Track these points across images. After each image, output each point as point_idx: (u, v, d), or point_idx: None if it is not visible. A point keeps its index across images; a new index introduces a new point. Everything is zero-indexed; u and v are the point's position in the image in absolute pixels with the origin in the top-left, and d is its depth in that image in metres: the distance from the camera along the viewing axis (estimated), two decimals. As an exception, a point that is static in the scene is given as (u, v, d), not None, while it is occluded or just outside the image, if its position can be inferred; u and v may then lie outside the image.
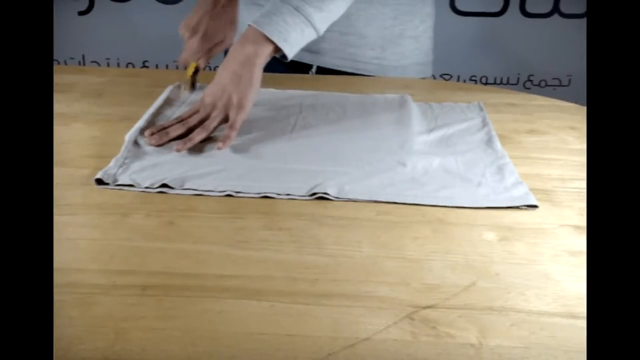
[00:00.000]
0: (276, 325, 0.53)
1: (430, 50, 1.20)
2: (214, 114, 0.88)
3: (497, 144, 0.87)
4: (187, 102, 1.00)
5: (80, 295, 0.56)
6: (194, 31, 1.07)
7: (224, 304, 0.56)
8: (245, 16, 1.18)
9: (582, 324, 0.54)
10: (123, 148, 0.83)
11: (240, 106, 0.87)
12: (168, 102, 0.99)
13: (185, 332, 0.52)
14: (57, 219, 0.67)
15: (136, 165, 0.79)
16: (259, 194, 0.73)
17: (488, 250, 0.65)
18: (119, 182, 0.75)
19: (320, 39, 0.98)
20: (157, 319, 0.54)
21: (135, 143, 0.85)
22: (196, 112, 0.89)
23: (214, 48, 1.08)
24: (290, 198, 0.73)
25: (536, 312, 0.56)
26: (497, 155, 0.84)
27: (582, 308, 0.56)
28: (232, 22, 1.07)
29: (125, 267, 0.61)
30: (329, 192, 0.73)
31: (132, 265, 0.61)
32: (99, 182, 0.75)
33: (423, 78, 1.18)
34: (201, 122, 0.88)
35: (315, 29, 0.91)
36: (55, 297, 0.54)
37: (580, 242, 0.66)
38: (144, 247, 0.64)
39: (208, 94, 0.90)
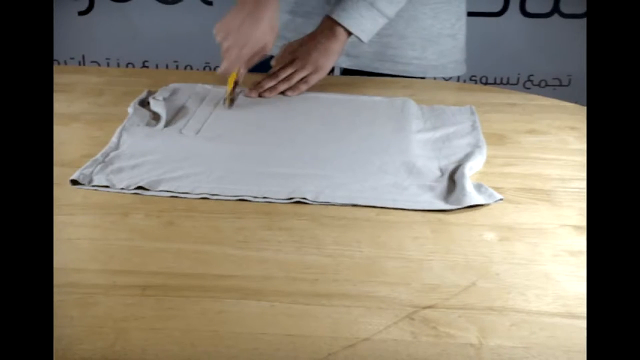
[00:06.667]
0: (276, 325, 0.53)
1: (465, 47, 1.20)
2: (295, 71, 1.03)
3: (484, 148, 0.85)
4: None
5: (80, 295, 0.56)
6: (232, 36, 0.98)
7: (224, 304, 0.56)
8: (279, 25, 1.17)
9: (582, 324, 0.54)
10: (104, 149, 0.82)
11: (318, 69, 1.03)
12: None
13: (185, 332, 0.52)
14: (57, 219, 0.67)
15: (115, 166, 0.78)
16: (235, 196, 0.72)
17: (488, 250, 0.65)
18: (94, 183, 0.74)
19: (360, 43, 1.06)
20: (157, 319, 0.54)
21: (117, 144, 0.83)
22: (281, 69, 1.04)
23: (254, 57, 1.00)
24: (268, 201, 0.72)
25: (536, 312, 0.56)
26: (483, 160, 0.82)
27: (582, 308, 0.56)
28: (273, 29, 1.00)
29: (125, 267, 0.61)
30: (307, 196, 0.72)
31: (132, 265, 0.61)
32: (74, 182, 0.74)
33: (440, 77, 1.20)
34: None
35: (387, 17, 1.04)
36: (55, 297, 0.54)
37: (580, 242, 0.66)
38: (144, 247, 0.64)
39: (291, 58, 1.04)
